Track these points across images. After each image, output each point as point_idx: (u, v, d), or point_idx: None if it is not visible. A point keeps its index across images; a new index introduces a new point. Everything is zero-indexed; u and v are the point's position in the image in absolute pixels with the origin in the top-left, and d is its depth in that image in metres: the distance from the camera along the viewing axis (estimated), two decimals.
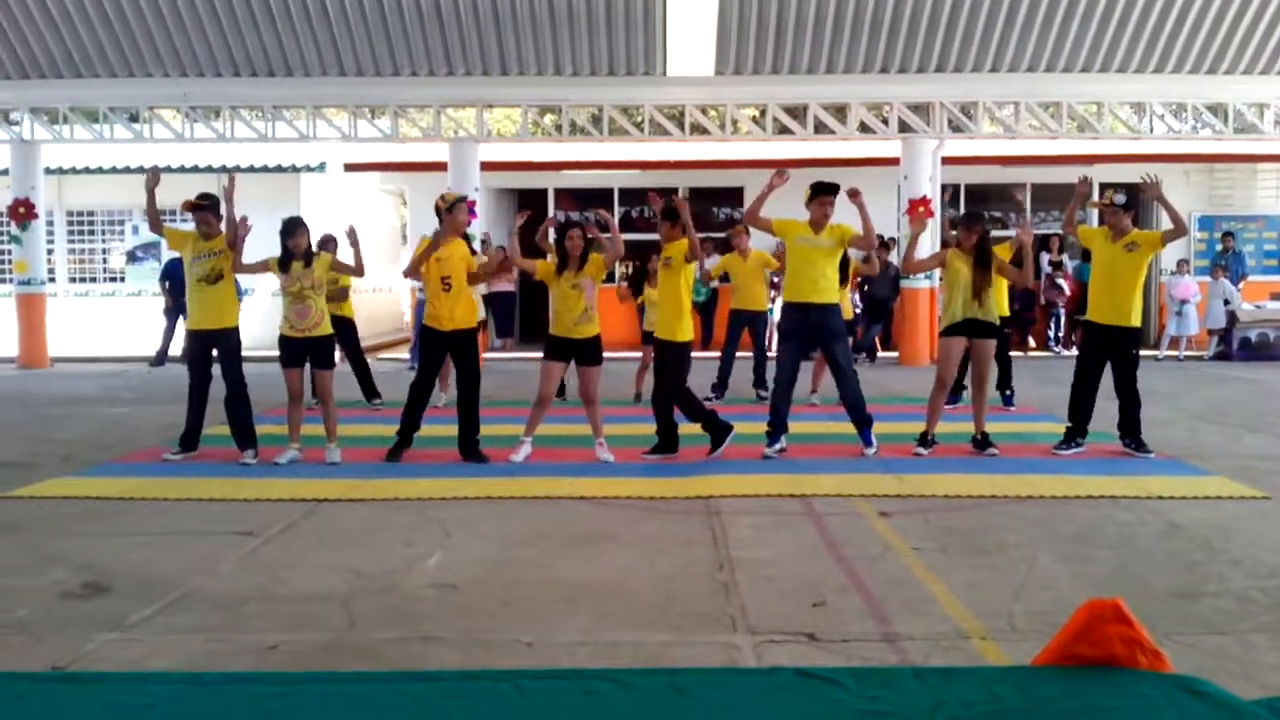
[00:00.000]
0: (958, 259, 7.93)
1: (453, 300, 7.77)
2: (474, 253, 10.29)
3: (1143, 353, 8.03)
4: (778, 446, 7.80)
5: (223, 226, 7.75)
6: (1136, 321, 7.79)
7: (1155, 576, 4.83)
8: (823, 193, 7.69)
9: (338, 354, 11.36)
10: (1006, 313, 8.41)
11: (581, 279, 7.65)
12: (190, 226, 7.99)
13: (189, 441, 7.90)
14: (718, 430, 7.78)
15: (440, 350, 7.96)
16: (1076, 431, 7.89)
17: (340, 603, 4.51)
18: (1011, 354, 10.36)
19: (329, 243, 10.14)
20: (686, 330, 7.83)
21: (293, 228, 7.70)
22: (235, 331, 7.85)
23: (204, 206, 7.68)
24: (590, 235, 7.77)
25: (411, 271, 8.14)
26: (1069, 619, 3.44)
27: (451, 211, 7.89)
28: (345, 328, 10.52)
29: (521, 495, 6.61)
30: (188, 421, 7.87)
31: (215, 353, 7.82)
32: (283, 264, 7.64)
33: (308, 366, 7.78)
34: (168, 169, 17.24)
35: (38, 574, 4.96)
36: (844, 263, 8.23)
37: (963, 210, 18.02)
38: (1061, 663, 3.34)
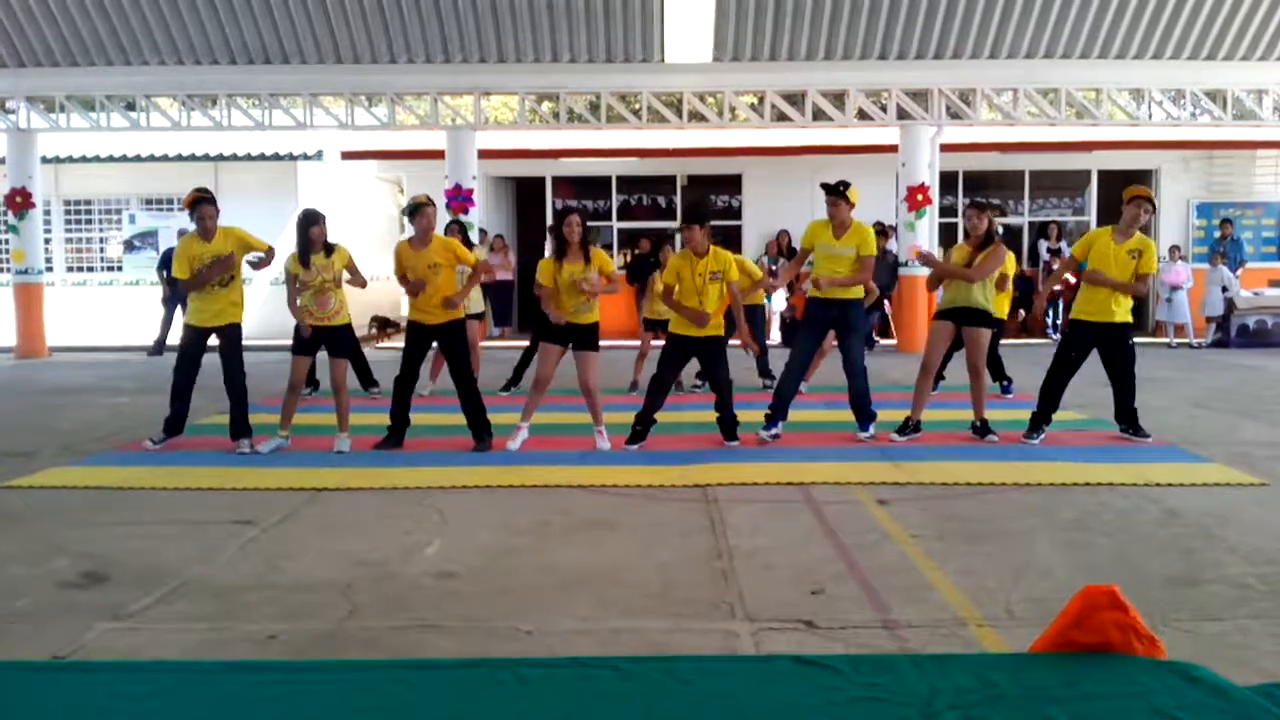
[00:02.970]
0: (963, 249, 7.99)
1: (434, 296, 7.72)
2: (470, 244, 10.30)
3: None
4: (773, 431, 7.81)
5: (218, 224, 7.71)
6: (1129, 316, 7.76)
7: (1153, 563, 4.84)
8: (827, 192, 7.67)
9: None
10: (1004, 314, 8.39)
11: (588, 273, 7.55)
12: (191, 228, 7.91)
13: (174, 427, 7.85)
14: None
15: (424, 343, 7.94)
16: (1044, 419, 7.88)
17: (340, 591, 4.52)
18: (1000, 346, 10.28)
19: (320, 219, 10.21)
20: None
21: (314, 219, 7.65)
22: (238, 327, 7.83)
23: (204, 199, 7.64)
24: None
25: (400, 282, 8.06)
26: (1065, 606, 3.45)
27: (413, 217, 7.84)
28: None
29: (520, 484, 6.62)
30: (174, 409, 7.82)
31: (214, 344, 7.79)
32: (302, 257, 7.62)
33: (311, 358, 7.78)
34: (164, 158, 17.30)
35: (37, 564, 4.96)
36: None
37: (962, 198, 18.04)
38: (1058, 649, 3.35)
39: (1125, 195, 7.72)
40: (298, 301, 7.65)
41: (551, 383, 7.88)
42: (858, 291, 7.83)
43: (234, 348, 7.76)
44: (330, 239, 7.77)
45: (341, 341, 7.85)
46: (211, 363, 7.84)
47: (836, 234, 7.68)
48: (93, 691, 3.28)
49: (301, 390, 7.80)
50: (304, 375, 7.77)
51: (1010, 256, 8.53)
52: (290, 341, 7.79)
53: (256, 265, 7.97)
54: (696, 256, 7.56)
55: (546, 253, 8.03)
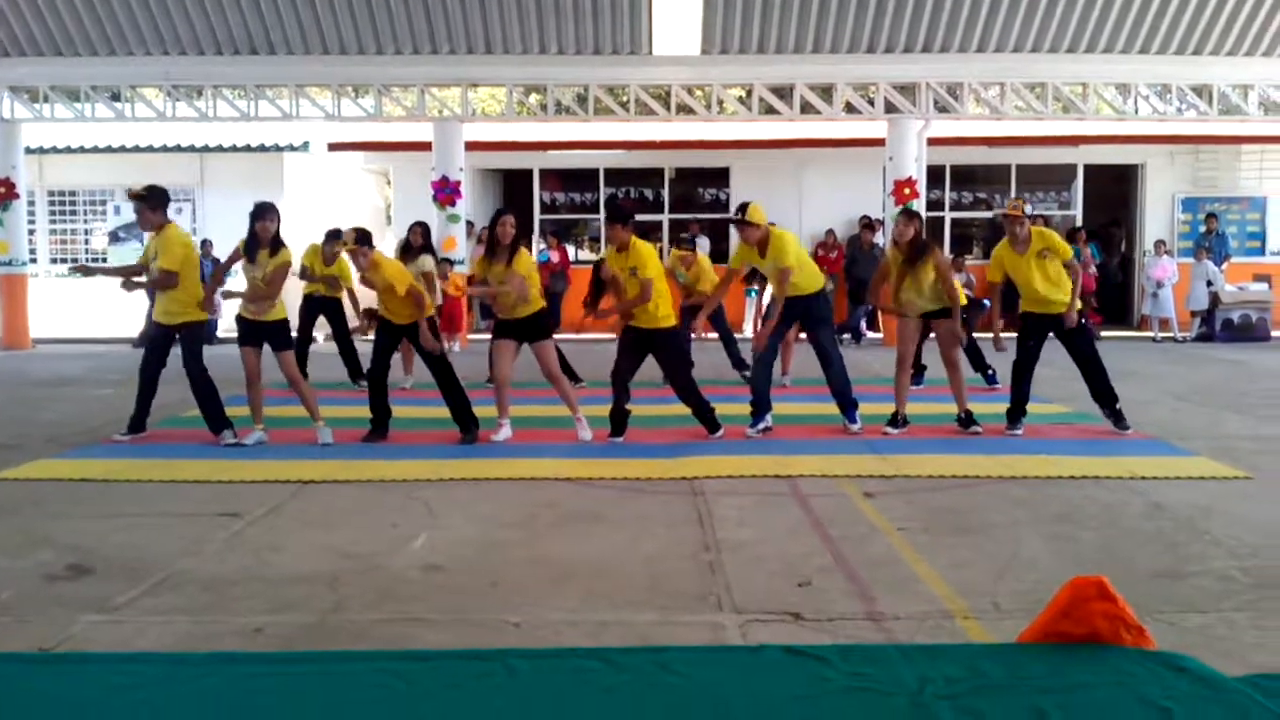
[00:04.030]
0: (894, 256, 8.09)
1: (396, 301, 7.77)
2: (429, 248, 10.38)
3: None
4: (761, 426, 7.83)
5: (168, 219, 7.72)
6: (1072, 301, 7.82)
7: (1138, 556, 4.87)
8: (733, 224, 7.90)
9: (321, 335, 11.36)
10: (963, 301, 8.46)
11: (510, 276, 7.60)
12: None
13: (137, 425, 7.84)
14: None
15: (392, 340, 8.00)
16: (1019, 410, 7.94)
17: (327, 584, 4.51)
18: (976, 335, 10.30)
19: (336, 236, 10.20)
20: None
21: (262, 211, 7.60)
22: (199, 325, 7.77)
23: (142, 197, 7.61)
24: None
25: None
26: (1054, 596, 3.47)
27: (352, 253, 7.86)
28: (333, 309, 10.50)
29: (507, 476, 6.61)
30: (137, 405, 7.80)
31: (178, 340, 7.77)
32: (249, 249, 7.58)
33: (265, 349, 7.74)
34: (150, 148, 17.19)
35: (23, 556, 4.93)
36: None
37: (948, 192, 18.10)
38: (1046, 640, 3.36)
39: (1004, 214, 7.93)
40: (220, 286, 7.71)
41: (515, 376, 7.93)
42: (817, 284, 7.92)
43: (187, 347, 7.68)
44: (282, 237, 7.71)
45: (279, 336, 7.78)
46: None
47: (761, 254, 7.75)
48: (80, 683, 3.27)
49: (260, 382, 7.74)
50: (255, 366, 7.68)
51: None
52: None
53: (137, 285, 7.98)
54: (617, 250, 7.71)
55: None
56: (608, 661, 3.39)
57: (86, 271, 8.39)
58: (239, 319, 7.73)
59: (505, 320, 7.81)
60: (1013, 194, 18.40)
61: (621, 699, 3.13)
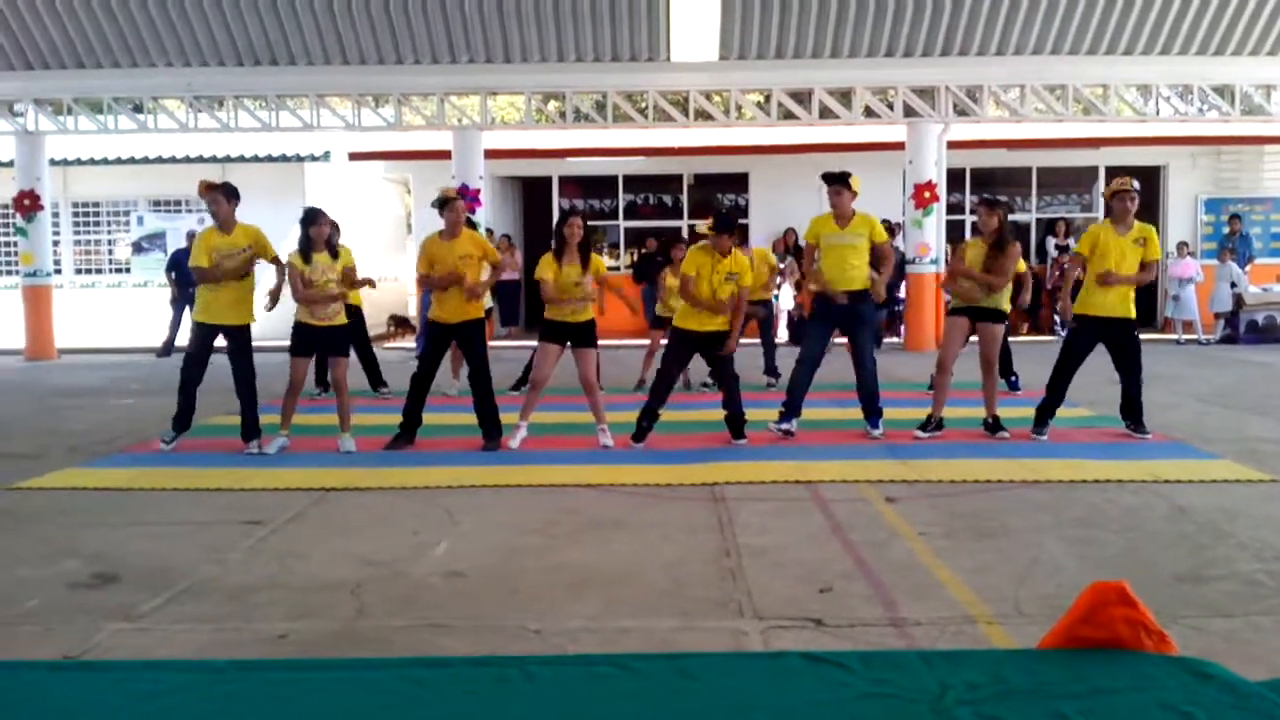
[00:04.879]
0: (976, 245, 8.02)
1: (456, 293, 7.75)
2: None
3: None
4: (785, 426, 7.82)
5: (237, 219, 7.73)
6: (1133, 310, 7.77)
7: (1162, 560, 4.83)
8: (829, 182, 7.72)
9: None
10: (1008, 307, 8.40)
11: (585, 278, 7.66)
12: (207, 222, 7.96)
13: (182, 423, 7.84)
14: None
15: (444, 342, 7.99)
16: (1049, 413, 7.89)
17: (349, 591, 4.53)
18: (1010, 339, 10.26)
19: (321, 216, 10.29)
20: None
21: (314, 217, 7.68)
22: (248, 328, 7.84)
23: (216, 186, 7.71)
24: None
25: (422, 280, 8.10)
26: (1075, 601, 3.45)
27: (442, 209, 7.84)
28: (353, 315, 10.52)
29: (528, 483, 6.63)
30: (181, 404, 7.81)
31: (223, 345, 7.80)
32: (304, 254, 7.64)
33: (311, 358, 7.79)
34: (172, 159, 17.34)
35: (47, 565, 4.98)
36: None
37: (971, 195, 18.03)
38: (1067, 645, 3.34)
39: (1106, 194, 7.82)
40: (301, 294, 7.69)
41: (550, 382, 7.92)
42: (863, 282, 7.86)
43: (242, 349, 7.77)
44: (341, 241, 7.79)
45: (339, 342, 7.85)
46: (221, 364, 7.85)
47: (841, 224, 7.71)
48: (104, 690, 3.29)
49: (301, 391, 7.80)
50: (303, 375, 7.77)
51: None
52: (289, 342, 7.81)
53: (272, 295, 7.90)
54: (721, 255, 7.64)
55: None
56: (627, 668, 3.38)
57: (275, 298, 7.91)
58: (301, 327, 7.68)
59: (558, 323, 7.75)
60: (1034, 197, 18.35)
61: (641, 706, 3.12)
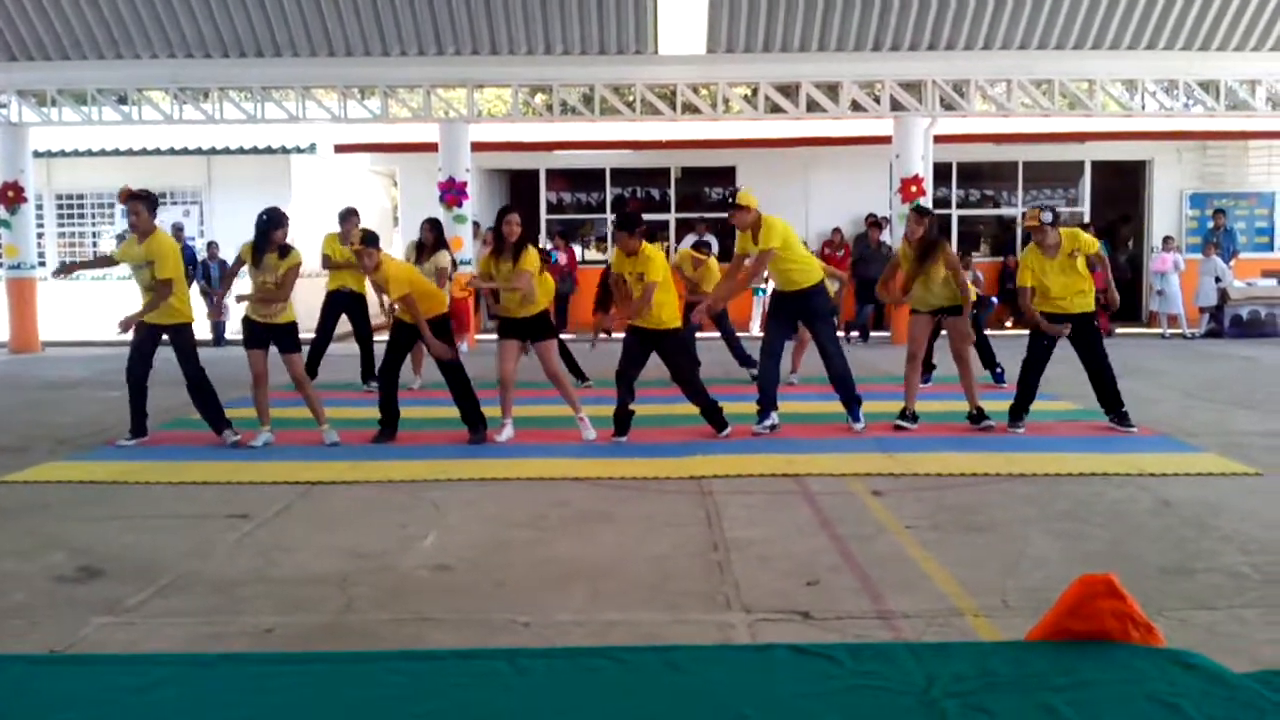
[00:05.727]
0: (905, 253, 8.11)
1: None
2: (443, 242, 10.37)
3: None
4: (768, 423, 7.83)
5: (156, 224, 7.71)
6: (1092, 305, 7.83)
7: (1147, 553, 4.86)
8: (727, 209, 7.93)
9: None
10: (973, 298, 8.43)
11: (518, 274, 7.60)
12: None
13: (138, 429, 7.80)
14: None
15: (406, 339, 8.03)
16: (1022, 408, 7.94)
17: (336, 584, 4.52)
18: (991, 334, 10.30)
19: (352, 215, 10.23)
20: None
21: (279, 221, 7.61)
22: (187, 327, 7.75)
23: (138, 195, 7.60)
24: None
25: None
26: (1062, 594, 3.46)
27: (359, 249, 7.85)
28: (357, 306, 10.46)
29: (515, 476, 6.62)
30: (132, 409, 7.76)
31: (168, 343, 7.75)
32: (255, 254, 7.60)
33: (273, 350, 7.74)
34: (157, 151, 17.23)
35: (33, 558, 4.95)
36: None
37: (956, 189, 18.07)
38: (1054, 638, 3.36)
39: (1025, 227, 7.93)
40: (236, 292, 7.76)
41: (516, 377, 7.96)
42: (815, 278, 7.91)
43: (182, 349, 7.70)
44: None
45: (287, 338, 7.77)
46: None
47: (754, 239, 7.73)
48: (91, 683, 3.28)
49: (266, 384, 7.75)
50: (263, 368, 7.69)
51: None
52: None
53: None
54: (626, 255, 7.68)
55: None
56: (616, 660, 3.39)
57: (67, 269, 8.23)
58: (247, 321, 7.73)
59: (509, 320, 7.84)
60: (1020, 191, 18.38)
61: (630, 698, 3.13)
